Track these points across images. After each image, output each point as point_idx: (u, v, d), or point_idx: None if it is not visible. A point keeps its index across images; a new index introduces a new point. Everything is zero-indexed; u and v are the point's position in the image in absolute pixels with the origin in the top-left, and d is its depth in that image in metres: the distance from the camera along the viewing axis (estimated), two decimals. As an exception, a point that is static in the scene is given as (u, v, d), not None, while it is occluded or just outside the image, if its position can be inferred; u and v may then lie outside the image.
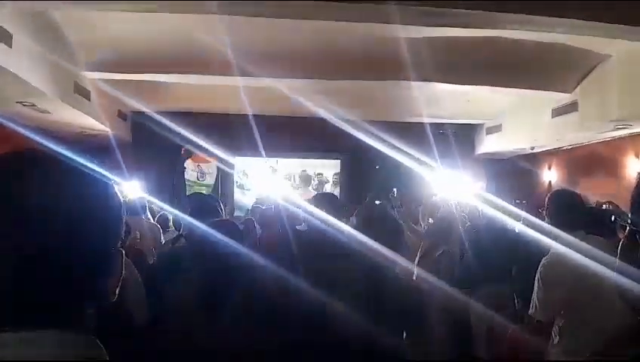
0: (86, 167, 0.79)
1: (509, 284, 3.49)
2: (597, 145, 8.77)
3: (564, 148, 9.74)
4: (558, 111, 7.87)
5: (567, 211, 3.03)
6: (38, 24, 5.53)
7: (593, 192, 7.22)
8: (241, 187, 11.76)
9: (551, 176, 10.50)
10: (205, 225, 2.45)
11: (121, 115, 9.52)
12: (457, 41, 5.85)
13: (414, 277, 4.32)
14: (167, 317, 2.33)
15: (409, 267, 4.16)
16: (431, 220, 5.64)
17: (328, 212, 2.80)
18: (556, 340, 2.83)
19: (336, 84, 7.32)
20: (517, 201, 6.78)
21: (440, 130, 10.14)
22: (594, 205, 5.60)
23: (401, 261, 3.10)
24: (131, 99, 8.46)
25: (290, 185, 11.72)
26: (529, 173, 10.80)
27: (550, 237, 3.00)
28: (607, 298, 2.33)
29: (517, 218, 4.44)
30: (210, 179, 11.34)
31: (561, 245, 2.85)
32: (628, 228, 1.16)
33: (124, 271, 0.84)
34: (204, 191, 9.81)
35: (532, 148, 10.10)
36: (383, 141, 8.09)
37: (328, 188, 11.72)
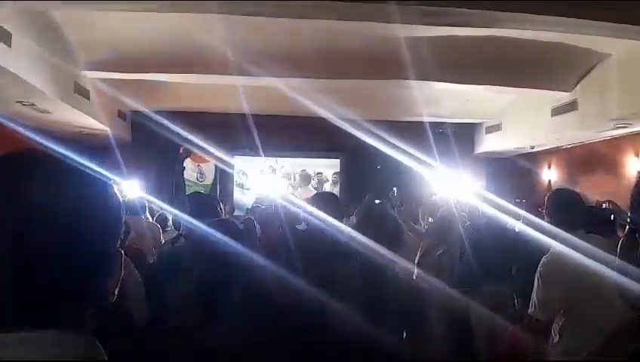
0: (86, 166, 0.79)
1: (509, 283, 3.50)
2: (597, 144, 8.77)
3: (564, 147, 9.74)
4: (558, 110, 7.87)
5: (567, 210, 3.02)
6: (37, 24, 5.53)
7: (593, 191, 7.23)
8: (240, 186, 11.76)
9: (551, 175, 10.51)
10: (205, 224, 2.45)
11: (121, 115, 9.53)
12: (457, 40, 5.85)
13: (414, 277, 4.32)
14: (167, 317, 2.33)
15: (409, 266, 4.17)
16: (431, 219, 5.65)
17: (328, 211, 2.81)
18: (556, 339, 2.83)
19: (336, 84, 7.32)
20: (517, 200, 6.78)
21: (440, 129, 10.15)
22: (594, 204, 5.61)
23: (400, 260, 3.10)
24: (131, 98, 8.47)
25: (290, 185, 11.73)
26: (529, 172, 10.81)
27: (550, 236, 3.00)
28: (607, 297, 2.33)
29: (517, 217, 4.44)
30: (208, 179, 11.34)
31: (561, 244, 2.85)
32: (627, 227, 1.16)
33: (123, 272, 0.84)
34: (202, 192, 9.81)
35: (532, 147, 10.11)
36: (383, 140, 8.09)
37: (327, 187, 11.73)
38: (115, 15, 5.33)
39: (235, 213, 9.29)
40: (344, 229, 2.79)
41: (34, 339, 0.70)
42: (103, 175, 0.81)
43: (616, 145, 8.31)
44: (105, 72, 6.92)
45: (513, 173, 10.93)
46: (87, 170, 0.79)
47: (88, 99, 7.34)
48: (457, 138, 10.42)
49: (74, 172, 0.78)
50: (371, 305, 2.35)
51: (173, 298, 2.38)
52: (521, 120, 9.25)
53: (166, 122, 7.43)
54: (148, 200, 6.69)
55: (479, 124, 10.96)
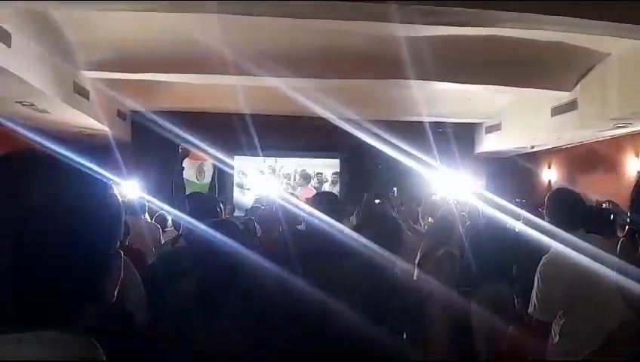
0: (85, 167, 0.79)
1: (509, 283, 3.49)
2: (597, 144, 8.78)
3: (564, 146, 9.75)
4: (558, 110, 7.87)
5: (567, 210, 3.02)
6: (37, 24, 5.53)
7: (593, 191, 7.23)
8: (240, 186, 11.77)
9: (551, 174, 10.51)
10: (205, 225, 2.45)
11: (121, 115, 9.53)
12: (457, 40, 5.85)
13: (415, 277, 4.32)
14: (167, 317, 2.33)
15: (409, 267, 4.16)
16: (431, 219, 5.64)
17: (328, 212, 2.80)
18: (556, 339, 2.83)
19: (336, 83, 7.32)
20: (517, 200, 6.78)
21: (440, 128, 10.16)
22: (594, 204, 5.61)
23: (400, 261, 3.10)
24: (130, 98, 8.47)
25: (290, 185, 11.74)
26: (529, 171, 10.81)
27: (550, 236, 3.00)
28: (607, 296, 2.33)
29: (517, 217, 4.44)
30: (208, 177, 11.35)
31: (561, 244, 2.85)
32: (627, 227, 1.16)
33: (122, 272, 0.84)
34: (202, 190, 9.81)
35: (532, 147, 10.11)
36: (383, 140, 8.09)
37: (327, 187, 11.75)
38: (114, 15, 5.33)
39: (235, 214, 9.28)
40: (344, 229, 2.79)
41: (33, 339, 0.70)
42: (103, 175, 0.81)
43: (616, 144, 8.31)
44: (104, 72, 6.92)
45: (513, 172, 10.93)
46: (87, 171, 0.79)
47: (88, 99, 7.34)
48: (457, 138, 10.43)
49: (74, 172, 0.78)
50: (371, 306, 2.35)
51: (173, 298, 2.38)
52: (521, 120, 9.25)
53: (166, 122, 7.42)
54: (148, 201, 6.69)
55: (479, 124, 10.96)
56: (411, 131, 8.88)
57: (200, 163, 11.00)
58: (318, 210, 2.87)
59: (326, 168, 11.99)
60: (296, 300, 2.29)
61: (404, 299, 2.64)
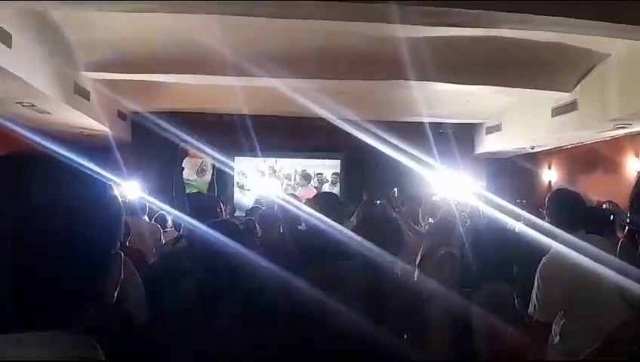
0: (85, 167, 0.79)
1: (510, 284, 3.49)
2: (597, 145, 8.77)
3: (564, 147, 9.74)
4: (558, 111, 7.87)
5: (568, 210, 3.03)
6: (37, 24, 5.53)
7: (593, 191, 7.22)
8: (241, 187, 11.78)
9: (551, 175, 10.51)
10: (205, 225, 2.45)
11: (121, 115, 9.52)
12: (457, 40, 5.85)
13: (415, 278, 4.32)
14: (168, 318, 2.33)
15: (409, 267, 4.16)
16: (431, 220, 5.64)
17: (329, 212, 2.81)
18: (556, 339, 2.83)
19: (336, 84, 7.32)
20: (517, 201, 6.78)
21: (440, 129, 10.16)
22: (594, 204, 5.61)
23: (401, 261, 3.10)
24: (131, 99, 8.48)
25: (290, 185, 11.75)
26: (529, 172, 10.81)
27: (550, 237, 3.00)
28: (607, 297, 2.34)
29: (517, 217, 4.44)
30: (208, 175, 11.35)
31: (561, 244, 2.85)
32: (627, 227, 1.16)
33: (123, 272, 0.84)
34: (202, 189, 9.83)
35: (532, 148, 10.11)
36: (383, 141, 8.09)
37: (327, 187, 11.76)
38: (115, 16, 5.33)
39: (235, 214, 9.29)
40: (344, 230, 2.79)
41: (33, 339, 0.70)
42: (103, 176, 0.81)
43: (616, 145, 8.31)
44: (105, 73, 6.92)
45: (513, 173, 10.93)
46: (87, 171, 0.79)
47: (88, 99, 7.34)
48: (457, 138, 10.43)
49: (74, 172, 0.78)
50: (371, 306, 2.35)
51: (174, 298, 2.38)
52: (521, 120, 9.25)
53: (166, 123, 7.43)
54: (148, 201, 6.70)
55: (479, 125, 10.96)
56: (411, 132, 8.88)
57: (201, 161, 11.01)
58: (319, 210, 2.87)
59: (326, 169, 12.00)
60: (296, 300, 2.29)
61: (405, 299, 2.64)
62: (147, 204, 6.66)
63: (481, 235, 4.24)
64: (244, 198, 11.47)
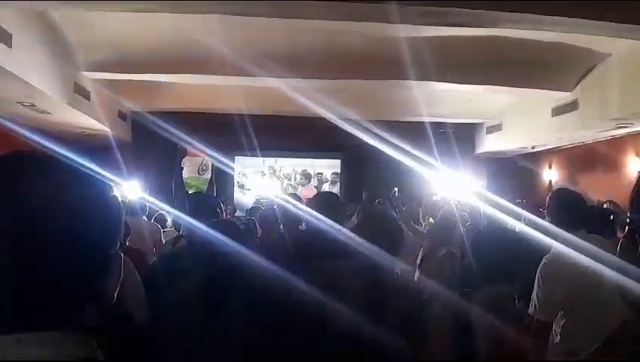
0: (86, 167, 0.79)
1: (510, 284, 3.49)
2: (597, 144, 8.77)
3: (565, 147, 9.74)
4: (559, 110, 7.87)
5: (568, 210, 3.02)
6: (37, 25, 5.53)
7: (593, 191, 7.22)
8: (241, 187, 11.78)
9: (551, 174, 10.51)
10: (205, 225, 2.45)
11: (121, 115, 9.53)
12: (458, 40, 5.85)
13: (416, 278, 4.32)
14: (168, 318, 2.33)
15: (410, 267, 4.16)
16: (431, 220, 5.64)
17: (329, 212, 2.80)
18: (557, 339, 2.83)
19: (337, 84, 7.32)
20: (518, 201, 6.78)
21: (440, 129, 10.15)
22: (594, 204, 5.61)
23: (401, 261, 3.10)
24: (131, 99, 8.47)
25: (290, 185, 11.76)
26: (529, 171, 10.81)
27: (551, 237, 3.00)
28: (608, 297, 2.33)
29: (518, 217, 4.44)
30: (209, 172, 11.37)
31: (562, 244, 2.85)
32: (627, 227, 1.16)
33: (122, 273, 0.84)
34: (202, 189, 9.83)
35: (532, 147, 10.11)
36: (384, 140, 8.09)
37: (327, 187, 11.77)
38: (115, 16, 5.33)
39: (236, 214, 9.29)
40: (345, 230, 2.79)
41: (33, 340, 0.70)
42: (103, 176, 0.81)
43: (617, 144, 8.30)
44: (105, 73, 6.92)
45: (514, 173, 10.93)
46: (88, 171, 0.79)
47: (88, 99, 7.34)
48: (458, 138, 10.42)
49: (74, 172, 0.78)
50: (372, 306, 2.35)
51: (174, 298, 2.38)
52: (521, 120, 9.25)
53: (166, 122, 7.43)
54: (148, 201, 6.70)
55: (480, 124, 10.96)
56: (412, 131, 8.87)
57: (202, 160, 11.03)
58: (319, 210, 2.87)
59: (325, 168, 12.01)
60: (296, 300, 2.29)
61: (405, 299, 2.64)
62: (147, 204, 6.66)
63: (482, 235, 4.24)
64: (244, 198, 11.48)
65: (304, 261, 2.57)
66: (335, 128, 8.49)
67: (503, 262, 3.67)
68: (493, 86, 7.37)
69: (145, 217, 6.58)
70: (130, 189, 8.20)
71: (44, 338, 0.71)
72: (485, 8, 4.38)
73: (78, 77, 6.93)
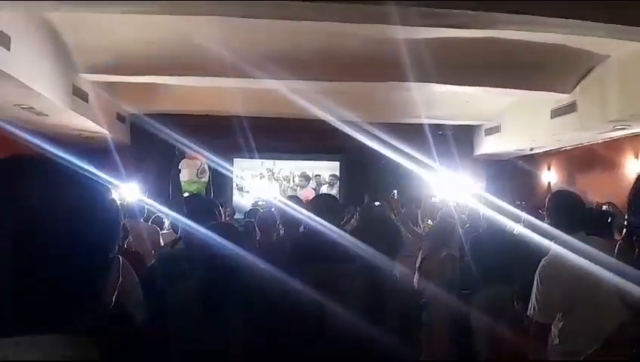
0: (84, 170, 0.79)
1: (509, 285, 3.49)
2: (596, 146, 8.78)
3: (564, 148, 9.75)
4: (557, 112, 7.87)
5: (567, 212, 3.02)
6: (36, 27, 5.53)
7: (592, 192, 7.23)
8: (240, 189, 11.79)
9: (550, 176, 10.51)
10: (204, 227, 2.45)
11: (120, 118, 9.52)
12: (456, 42, 5.85)
13: (415, 280, 4.32)
14: (167, 320, 2.33)
15: (408, 269, 4.16)
16: (430, 222, 5.64)
17: (328, 214, 2.80)
18: (556, 341, 2.83)
19: (336, 86, 7.32)
20: (517, 202, 6.78)
21: (439, 131, 10.15)
22: (593, 206, 5.61)
23: (400, 263, 3.10)
24: (130, 101, 8.47)
25: (289, 187, 11.76)
26: (528, 173, 10.81)
27: (550, 238, 3.00)
28: (606, 298, 2.33)
29: (517, 219, 4.44)
30: (207, 176, 11.37)
31: (561, 246, 2.85)
32: (625, 229, 1.16)
33: (120, 275, 0.84)
34: (200, 189, 9.84)
35: (531, 149, 10.11)
36: (383, 142, 8.09)
37: (325, 189, 11.78)
38: (113, 18, 5.33)
39: (235, 216, 9.29)
40: (344, 232, 2.78)
41: (32, 341, 0.70)
42: (102, 178, 0.81)
43: (616, 146, 8.31)
44: (103, 75, 6.92)
45: (513, 174, 10.93)
46: (86, 174, 0.79)
47: (87, 102, 7.33)
48: (457, 140, 10.43)
49: (72, 175, 0.79)
50: (371, 308, 2.34)
51: (173, 300, 2.38)
52: (520, 122, 9.25)
53: (165, 125, 7.43)
54: (146, 203, 6.70)
55: (478, 126, 10.96)
56: (411, 133, 8.88)
57: (200, 163, 11.03)
58: (318, 212, 2.87)
59: (324, 170, 12.02)
60: (295, 303, 2.29)
61: (404, 301, 2.64)
62: (145, 206, 6.66)
63: (481, 237, 4.24)
64: (242, 200, 11.48)
65: (303, 263, 2.56)
66: (334, 130, 8.49)
67: (502, 263, 3.67)
68: (492, 88, 7.37)
69: (142, 220, 6.58)
70: (128, 192, 8.20)
71: (43, 340, 0.71)
72: (484, 10, 4.38)
73: (77, 79, 6.92)
